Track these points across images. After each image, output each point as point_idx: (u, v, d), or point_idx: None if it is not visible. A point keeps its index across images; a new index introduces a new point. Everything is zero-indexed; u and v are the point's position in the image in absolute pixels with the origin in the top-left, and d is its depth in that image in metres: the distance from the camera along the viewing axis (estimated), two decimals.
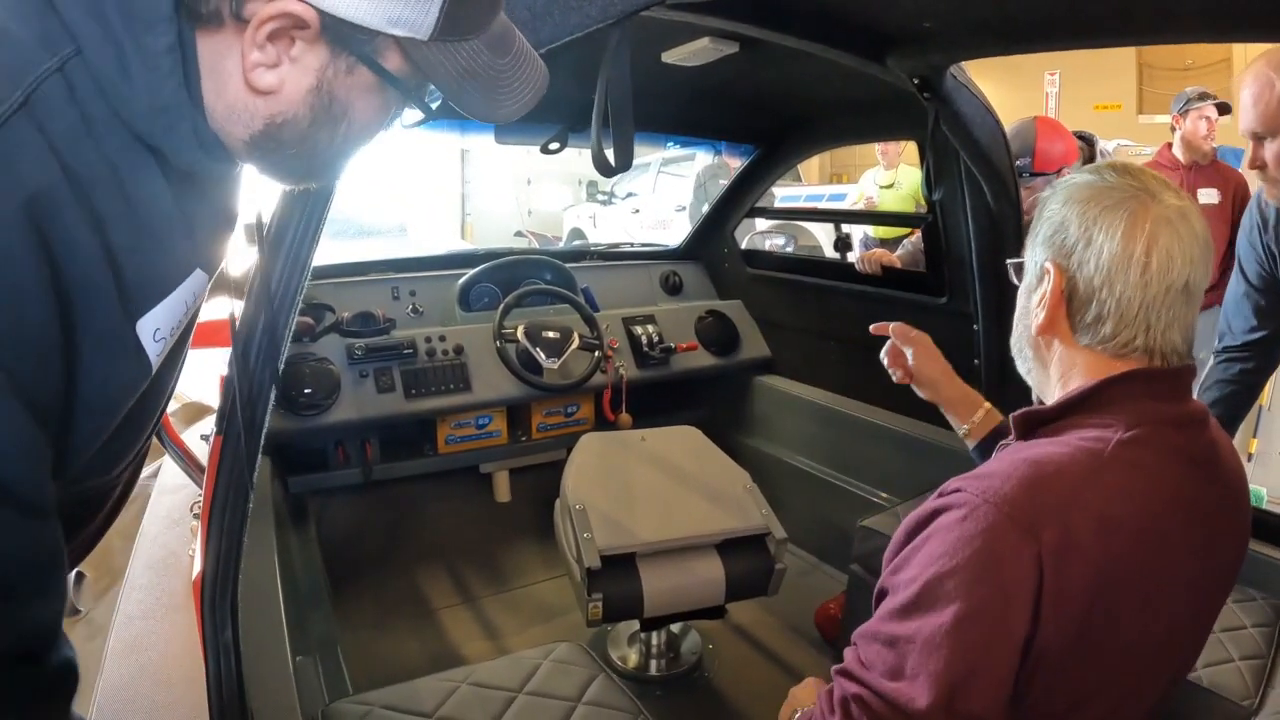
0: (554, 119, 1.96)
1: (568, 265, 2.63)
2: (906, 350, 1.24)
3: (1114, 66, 6.33)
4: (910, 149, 4.62)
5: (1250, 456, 3.18)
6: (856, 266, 2.36)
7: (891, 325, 1.25)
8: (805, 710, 0.81)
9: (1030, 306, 0.79)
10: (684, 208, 7.53)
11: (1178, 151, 2.94)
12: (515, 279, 2.50)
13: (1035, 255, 0.78)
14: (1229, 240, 2.72)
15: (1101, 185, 0.73)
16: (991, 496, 0.66)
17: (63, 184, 0.52)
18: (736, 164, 2.99)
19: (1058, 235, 0.75)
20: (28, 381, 0.51)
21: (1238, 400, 1.84)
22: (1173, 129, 2.95)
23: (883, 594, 0.71)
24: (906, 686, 0.64)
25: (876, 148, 5.09)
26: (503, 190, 10.65)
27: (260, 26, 0.55)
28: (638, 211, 8.36)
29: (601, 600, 1.57)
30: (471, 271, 2.48)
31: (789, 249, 3.82)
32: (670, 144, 3.24)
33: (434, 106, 0.67)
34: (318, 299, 2.14)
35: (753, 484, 1.80)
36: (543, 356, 2.18)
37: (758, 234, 4.09)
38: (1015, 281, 0.84)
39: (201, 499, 1.03)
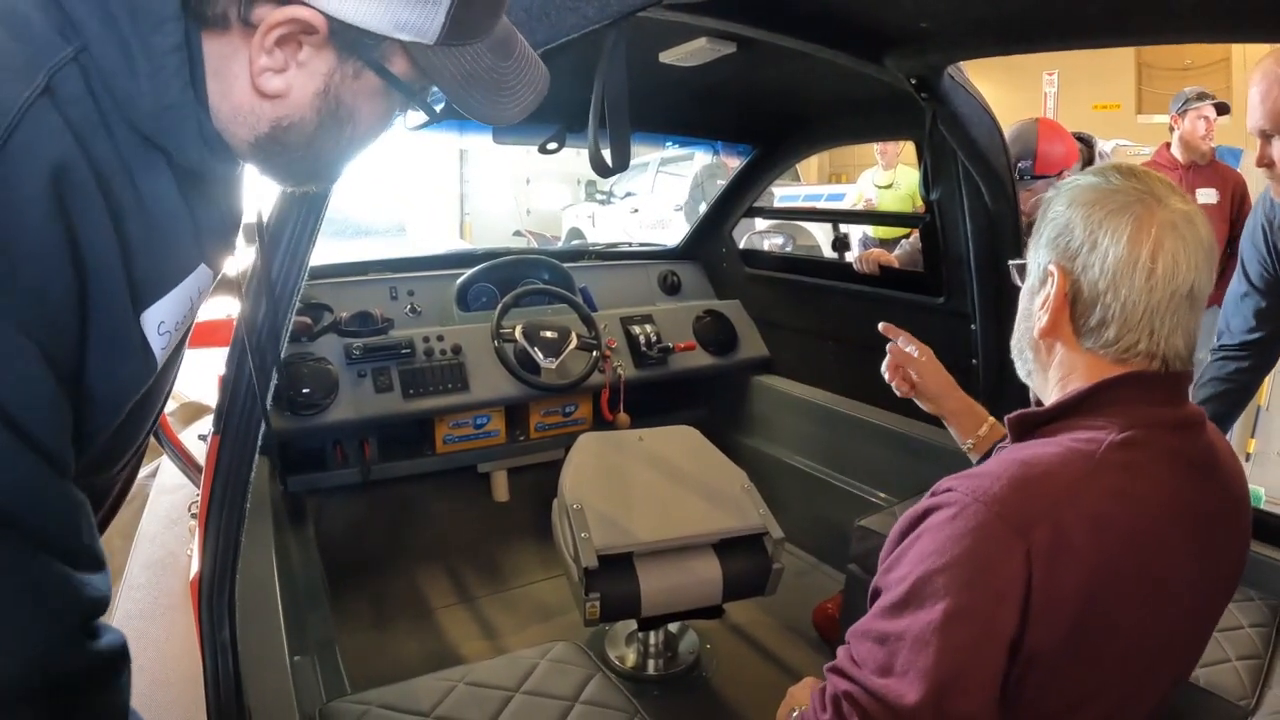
0: (552, 119, 1.94)
1: (566, 265, 2.63)
2: (910, 363, 1.22)
3: (1113, 66, 6.32)
4: (909, 149, 4.63)
5: (1248, 457, 3.19)
6: (854, 266, 2.36)
7: (897, 339, 1.24)
8: (803, 710, 0.81)
9: (1033, 309, 0.78)
10: (680, 207, 7.53)
11: (1176, 151, 2.94)
12: (513, 279, 2.50)
13: (1039, 257, 0.77)
14: (1227, 240, 2.73)
15: (1107, 188, 0.72)
16: (982, 495, 0.66)
17: (85, 167, 0.52)
18: (734, 164, 2.98)
19: (1062, 238, 0.74)
20: (51, 352, 0.52)
21: (1232, 399, 1.84)
22: (1171, 129, 2.95)
23: (876, 593, 0.71)
24: (896, 683, 0.64)
25: (875, 148, 5.08)
26: (501, 190, 10.66)
27: (269, 32, 0.55)
28: (636, 211, 8.36)
29: (599, 600, 1.56)
30: (470, 271, 2.48)
31: (787, 249, 3.81)
32: (669, 144, 3.23)
33: (438, 109, 0.68)
34: (316, 298, 2.14)
35: (750, 484, 1.80)
36: (541, 356, 2.18)
37: (756, 234, 4.08)
38: (1017, 283, 0.83)
39: (199, 499, 1.03)
